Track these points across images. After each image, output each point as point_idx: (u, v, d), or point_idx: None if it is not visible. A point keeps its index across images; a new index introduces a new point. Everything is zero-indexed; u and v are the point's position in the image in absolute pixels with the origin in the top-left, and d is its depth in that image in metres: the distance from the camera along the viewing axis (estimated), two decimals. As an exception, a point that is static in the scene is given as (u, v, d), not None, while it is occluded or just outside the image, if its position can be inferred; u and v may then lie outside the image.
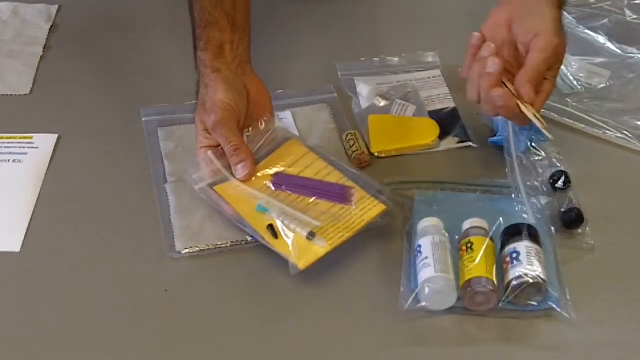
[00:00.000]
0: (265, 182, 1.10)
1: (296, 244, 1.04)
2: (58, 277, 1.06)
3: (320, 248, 1.03)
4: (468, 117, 1.24)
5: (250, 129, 1.14)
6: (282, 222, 1.05)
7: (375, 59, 1.33)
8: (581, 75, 1.30)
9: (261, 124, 1.14)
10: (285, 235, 1.05)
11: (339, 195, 1.09)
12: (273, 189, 1.10)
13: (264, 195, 1.08)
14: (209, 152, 1.11)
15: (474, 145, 1.21)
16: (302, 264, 1.02)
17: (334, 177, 1.11)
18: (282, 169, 1.12)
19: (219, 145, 1.11)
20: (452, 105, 1.26)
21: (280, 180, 1.11)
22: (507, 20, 1.12)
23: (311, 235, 1.04)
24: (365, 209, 1.08)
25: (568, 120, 1.24)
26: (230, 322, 1.02)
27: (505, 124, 1.17)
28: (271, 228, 1.05)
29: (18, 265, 1.08)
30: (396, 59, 1.33)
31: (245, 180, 1.10)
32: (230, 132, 1.10)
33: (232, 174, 1.10)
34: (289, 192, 1.09)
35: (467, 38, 1.14)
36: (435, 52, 1.33)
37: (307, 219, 1.05)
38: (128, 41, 1.39)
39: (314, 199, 1.09)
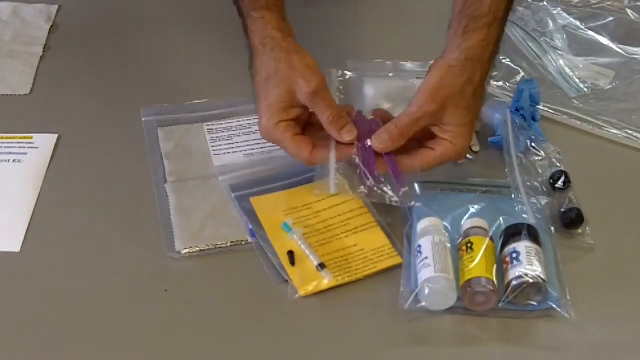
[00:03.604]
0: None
1: (304, 269, 1.04)
2: (58, 277, 1.06)
3: (325, 281, 1.03)
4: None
5: None
6: (300, 245, 1.06)
7: (388, 62, 1.32)
8: (588, 77, 1.30)
9: None
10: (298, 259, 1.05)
11: (398, 174, 1.08)
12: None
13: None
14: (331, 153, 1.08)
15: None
16: (303, 291, 1.02)
17: (365, 218, 1.10)
18: None
19: (295, 119, 1.08)
20: None
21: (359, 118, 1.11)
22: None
23: (321, 267, 1.04)
24: (382, 257, 1.06)
25: (577, 122, 1.23)
26: (230, 322, 1.02)
27: (505, 124, 1.17)
28: (291, 255, 1.05)
29: (18, 265, 1.08)
30: (409, 64, 1.31)
31: (353, 141, 1.07)
32: (332, 99, 1.08)
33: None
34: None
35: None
36: None
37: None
38: (128, 41, 1.39)
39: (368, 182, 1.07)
